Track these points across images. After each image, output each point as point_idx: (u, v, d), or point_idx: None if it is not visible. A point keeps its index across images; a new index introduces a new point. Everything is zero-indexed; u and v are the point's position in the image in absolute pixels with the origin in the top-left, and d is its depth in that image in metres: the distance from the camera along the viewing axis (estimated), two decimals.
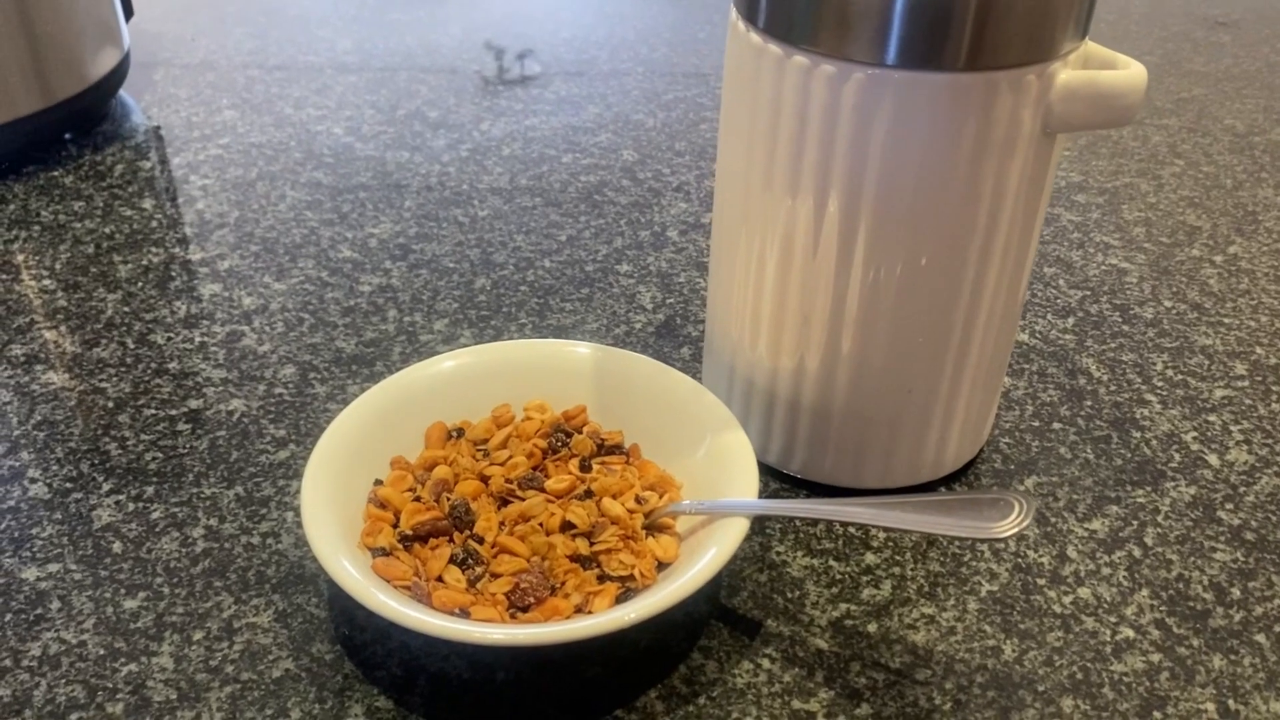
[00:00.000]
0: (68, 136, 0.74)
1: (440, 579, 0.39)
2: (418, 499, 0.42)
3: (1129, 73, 0.39)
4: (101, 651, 0.40)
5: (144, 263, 0.62)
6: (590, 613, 0.39)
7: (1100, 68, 0.40)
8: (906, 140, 0.38)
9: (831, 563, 0.44)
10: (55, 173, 0.70)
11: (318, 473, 0.41)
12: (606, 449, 0.46)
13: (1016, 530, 0.35)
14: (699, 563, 0.38)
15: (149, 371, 0.53)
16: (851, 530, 0.45)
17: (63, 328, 0.56)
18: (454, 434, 0.46)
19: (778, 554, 0.44)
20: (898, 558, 0.44)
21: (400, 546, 0.40)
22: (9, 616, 0.41)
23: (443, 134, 0.76)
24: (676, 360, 0.55)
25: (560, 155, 0.74)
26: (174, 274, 0.61)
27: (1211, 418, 0.52)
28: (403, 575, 0.39)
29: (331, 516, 0.39)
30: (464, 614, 0.38)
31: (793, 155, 0.40)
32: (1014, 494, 0.36)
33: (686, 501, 0.42)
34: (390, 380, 0.46)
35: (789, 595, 0.43)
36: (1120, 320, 0.59)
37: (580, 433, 0.46)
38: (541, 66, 0.87)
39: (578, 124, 0.78)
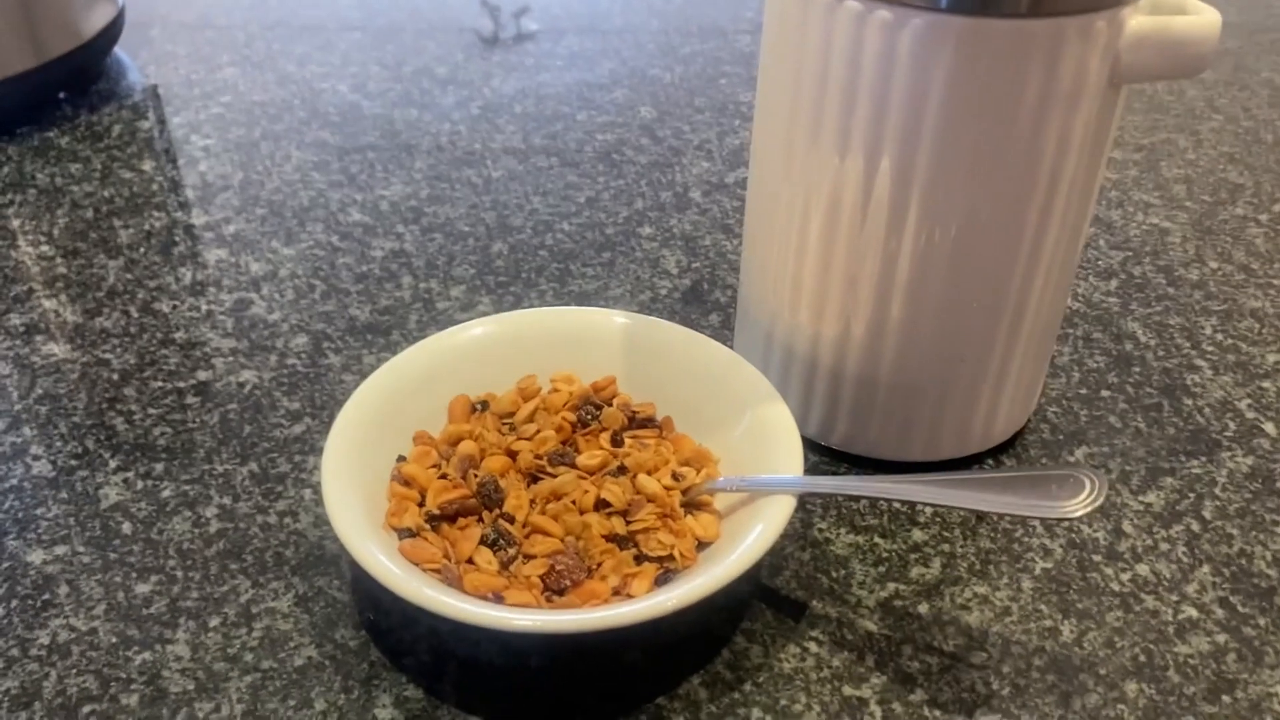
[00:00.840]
0: (62, 96, 0.71)
1: (471, 561, 0.37)
2: (444, 476, 0.40)
3: (1203, 19, 0.36)
4: (114, 639, 0.38)
5: (145, 227, 0.59)
6: (629, 595, 0.37)
7: (1170, 14, 0.37)
8: (967, 92, 0.35)
9: (877, 540, 0.42)
10: (50, 134, 0.67)
11: (338, 449, 0.38)
12: (638, 422, 0.43)
13: (1089, 510, 0.33)
14: (743, 543, 0.36)
15: (154, 342, 0.51)
16: (896, 505, 0.43)
17: (63, 296, 0.54)
18: (478, 407, 0.44)
19: (820, 531, 0.42)
20: (946, 534, 0.42)
21: (428, 527, 0.38)
22: (15, 603, 0.39)
23: (452, 91, 0.73)
24: (706, 328, 0.53)
25: (575, 113, 0.71)
26: (177, 239, 0.58)
27: (1265, 384, 0.50)
28: (432, 558, 0.37)
29: (354, 496, 0.37)
30: (497, 598, 0.36)
31: (843, 109, 0.37)
32: (1083, 470, 0.34)
33: (727, 478, 0.40)
34: (410, 351, 0.43)
35: (834, 575, 0.40)
36: (1165, 282, 0.57)
37: (610, 405, 0.43)
38: (540, 24, 0.83)
39: (592, 80, 0.75)
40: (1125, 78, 0.37)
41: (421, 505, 0.39)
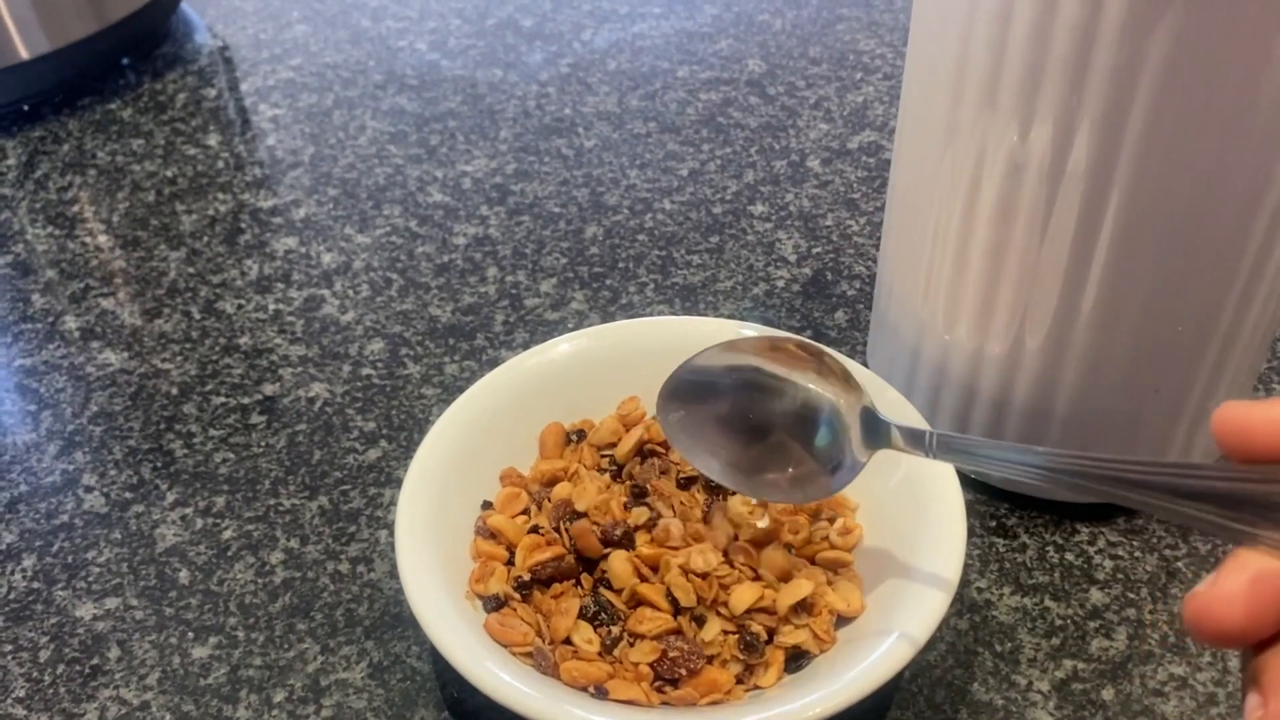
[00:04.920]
0: (125, 62, 0.66)
1: (569, 641, 0.31)
2: (535, 529, 0.34)
3: None
4: (168, 716, 0.33)
5: (209, 212, 0.54)
6: (756, 686, 0.31)
7: None
8: (1207, 40, 0.27)
9: (1048, 603, 0.35)
10: (112, 105, 0.63)
11: (413, 511, 0.33)
12: None
13: None
14: (892, 631, 0.30)
15: (217, 349, 0.46)
16: (1069, 559, 0.36)
17: (121, 294, 0.49)
18: (573, 437, 0.38)
19: (979, 590, 0.36)
20: (1131, 595, 0.35)
21: (517, 595, 0.33)
22: (62, 668, 0.35)
23: (539, 47, 0.66)
24: (830, 328, 0.46)
25: (675, 68, 0.64)
26: (243, 225, 0.53)
27: None
28: (523, 640, 0.31)
29: (433, 562, 0.32)
30: (599, 692, 0.30)
31: (1029, 62, 0.29)
32: None
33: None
34: (493, 376, 0.37)
35: (998, 648, 0.34)
36: None
37: None
38: None
39: (693, 29, 0.68)
40: None
41: (510, 564, 0.34)
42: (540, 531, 0.34)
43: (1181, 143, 0.29)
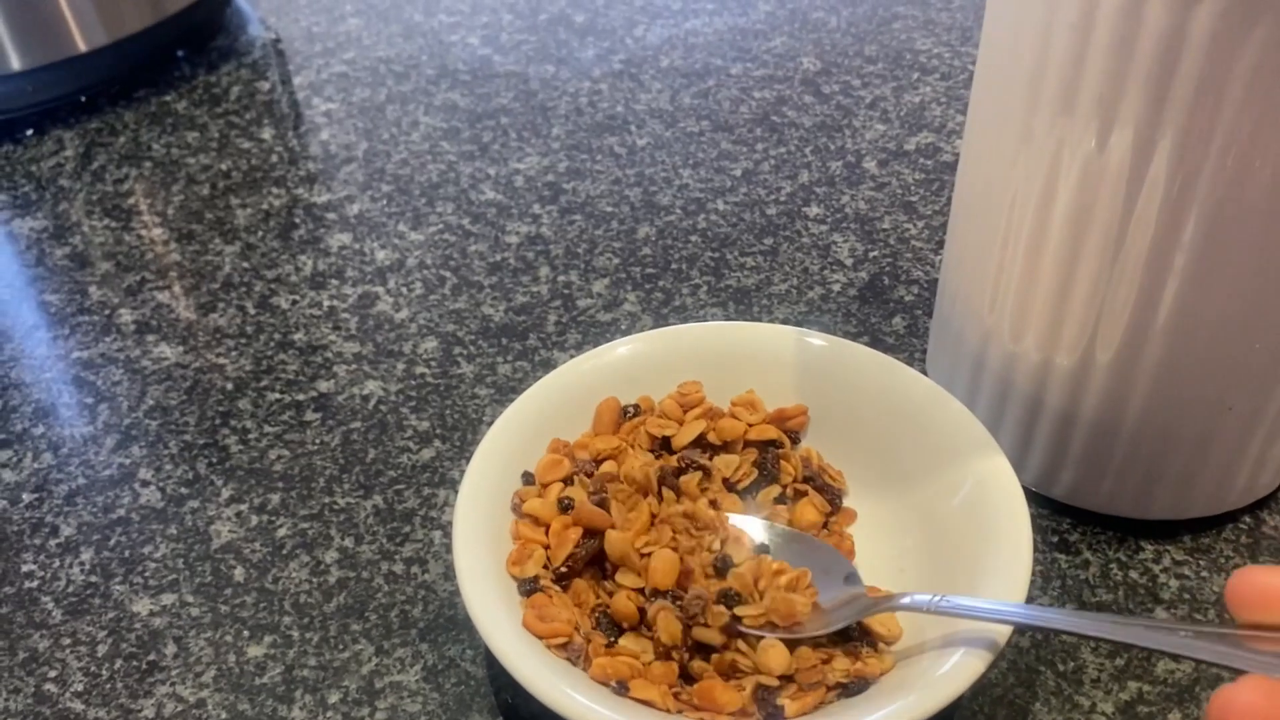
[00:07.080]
0: (180, 55, 0.67)
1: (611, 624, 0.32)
2: (568, 506, 0.34)
3: None
4: (224, 715, 0.33)
5: (264, 206, 0.54)
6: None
7: None
8: None
9: None
10: (167, 97, 0.63)
11: (472, 508, 0.33)
12: (817, 486, 0.36)
13: None
14: (956, 651, 0.29)
15: (272, 344, 0.46)
16: (1133, 577, 0.36)
17: (176, 287, 0.50)
18: (629, 410, 0.37)
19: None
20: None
21: (555, 587, 0.32)
22: (119, 663, 0.35)
23: (591, 43, 0.66)
24: (887, 334, 0.45)
25: (728, 66, 0.63)
26: (297, 220, 0.53)
27: None
28: (564, 631, 0.31)
29: (490, 569, 0.32)
30: (621, 687, 0.30)
31: (1111, 69, 0.29)
32: None
33: (920, 598, 0.31)
34: (553, 377, 0.37)
35: (1060, 668, 0.33)
36: None
37: (796, 443, 0.37)
38: None
39: (746, 26, 0.67)
40: None
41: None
42: (572, 508, 0.34)
43: (1267, 155, 0.28)
